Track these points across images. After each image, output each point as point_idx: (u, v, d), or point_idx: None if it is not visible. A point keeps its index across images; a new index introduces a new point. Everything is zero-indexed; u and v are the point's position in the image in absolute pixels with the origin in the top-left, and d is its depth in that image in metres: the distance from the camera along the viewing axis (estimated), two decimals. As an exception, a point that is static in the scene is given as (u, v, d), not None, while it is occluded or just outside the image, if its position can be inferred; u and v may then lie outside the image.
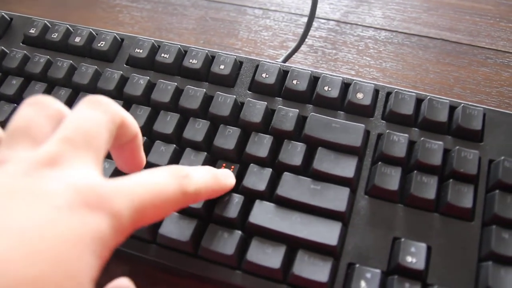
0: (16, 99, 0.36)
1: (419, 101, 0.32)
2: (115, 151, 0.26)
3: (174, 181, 0.22)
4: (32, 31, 0.39)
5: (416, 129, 0.31)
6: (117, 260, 0.30)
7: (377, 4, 0.43)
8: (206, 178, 0.25)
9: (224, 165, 0.31)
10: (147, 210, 0.21)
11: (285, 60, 0.38)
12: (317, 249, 0.27)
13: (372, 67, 0.39)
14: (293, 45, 0.40)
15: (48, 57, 0.37)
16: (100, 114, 0.22)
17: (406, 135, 0.30)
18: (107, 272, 0.30)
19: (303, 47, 0.40)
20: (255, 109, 0.32)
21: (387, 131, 0.30)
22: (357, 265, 0.27)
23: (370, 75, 0.38)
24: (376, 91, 0.32)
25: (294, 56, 0.39)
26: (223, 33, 0.42)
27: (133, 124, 0.24)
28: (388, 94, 0.32)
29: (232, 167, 0.31)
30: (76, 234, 0.18)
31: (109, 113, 0.22)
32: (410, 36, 0.40)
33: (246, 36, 0.42)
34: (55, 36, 0.38)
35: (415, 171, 0.29)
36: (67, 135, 0.21)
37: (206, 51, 0.35)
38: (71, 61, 0.36)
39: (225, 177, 0.28)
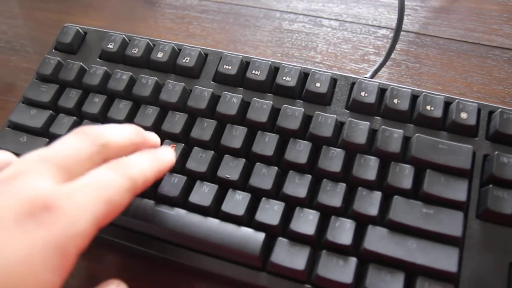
0: (100, 118, 0.35)
1: (523, 120, 0.31)
2: None
3: (121, 177, 0.22)
4: (110, 46, 0.38)
5: (523, 150, 0.30)
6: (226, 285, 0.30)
7: (456, 16, 0.42)
8: (149, 163, 0.25)
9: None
10: (101, 208, 0.21)
11: (372, 76, 0.37)
12: (436, 276, 0.27)
13: (458, 82, 0.38)
14: (374, 58, 0.39)
15: (131, 73, 0.36)
16: (86, 144, 0.23)
17: (518, 157, 0.29)
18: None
19: (385, 61, 0.40)
20: (358, 129, 0.31)
21: (496, 152, 0.30)
22: (479, 293, 0.26)
23: (457, 90, 0.38)
24: (478, 110, 0.32)
25: (378, 70, 0.39)
26: (301, 45, 0.41)
27: (131, 146, 0.25)
28: (491, 113, 0.32)
29: (173, 145, 0.32)
30: (26, 254, 0.18)
31: (97, 145, 0.23)
32: (493, 49, 0.40)
33: (326, 49, 0.41)
34: (135, 51, 0.37)
35: (530, 195, 0.28)
36: (42, 155, 0.21)
37: (299, 68, 0.34)
38: (156, 78, 0.35)
39: (165, 155, 0.28)
